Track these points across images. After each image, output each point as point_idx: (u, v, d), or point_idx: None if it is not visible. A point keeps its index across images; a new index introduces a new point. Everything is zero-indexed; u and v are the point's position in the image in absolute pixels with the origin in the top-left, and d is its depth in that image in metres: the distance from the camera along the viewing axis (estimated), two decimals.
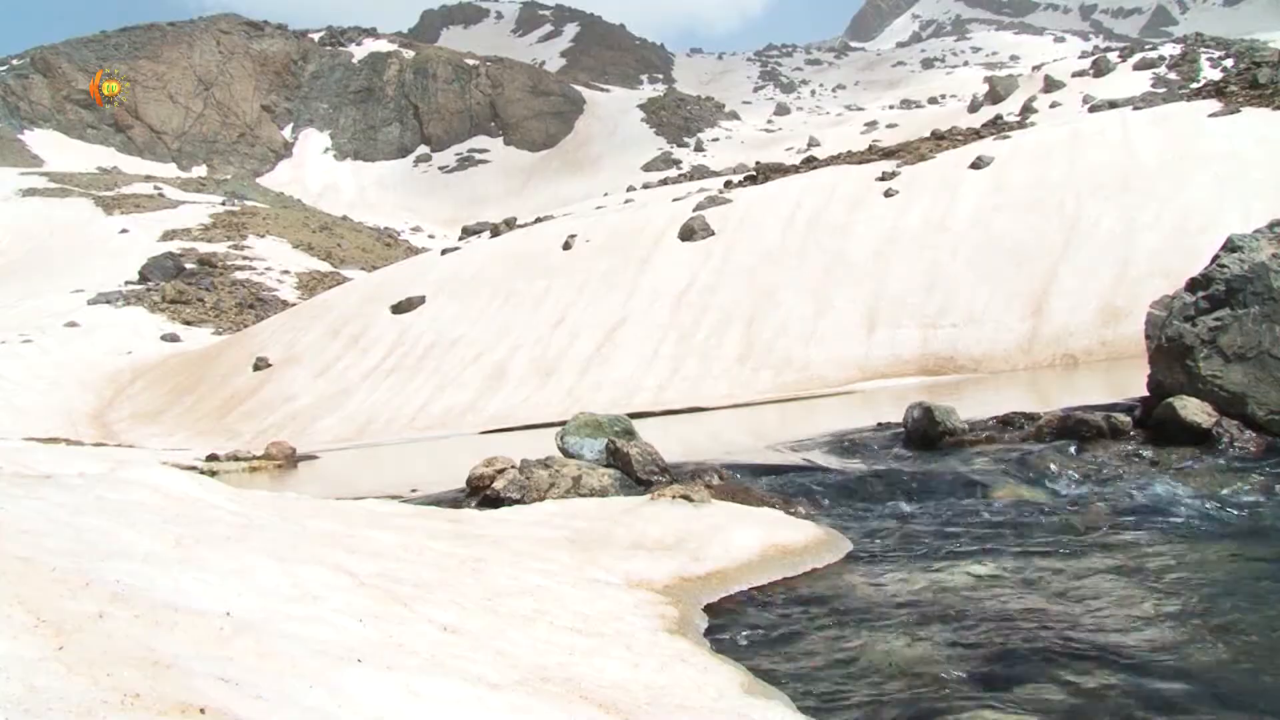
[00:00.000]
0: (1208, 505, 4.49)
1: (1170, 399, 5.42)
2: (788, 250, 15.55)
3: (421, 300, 18.99)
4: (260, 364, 19.62)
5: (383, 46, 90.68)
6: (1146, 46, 62.60)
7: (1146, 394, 5.95)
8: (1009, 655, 2.83)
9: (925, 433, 6.18)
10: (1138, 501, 4.60)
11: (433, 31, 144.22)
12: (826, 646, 3.05)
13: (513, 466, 5.81)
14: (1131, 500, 4.63)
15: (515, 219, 25.89)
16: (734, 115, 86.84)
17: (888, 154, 19.43)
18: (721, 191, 19.83)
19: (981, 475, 5.22)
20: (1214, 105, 15.77)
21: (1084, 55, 63.88)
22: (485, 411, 14.49)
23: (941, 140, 19.85)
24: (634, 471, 5.71)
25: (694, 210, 18.00)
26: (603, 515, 4.61)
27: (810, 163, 22.64)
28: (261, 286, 34.80)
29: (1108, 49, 72.08)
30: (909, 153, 18.61)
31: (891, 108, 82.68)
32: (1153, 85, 47.08)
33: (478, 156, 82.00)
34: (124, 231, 43.48)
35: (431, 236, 60.54)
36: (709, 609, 3.52)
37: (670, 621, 3.19)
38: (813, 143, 65.08)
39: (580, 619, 3.05)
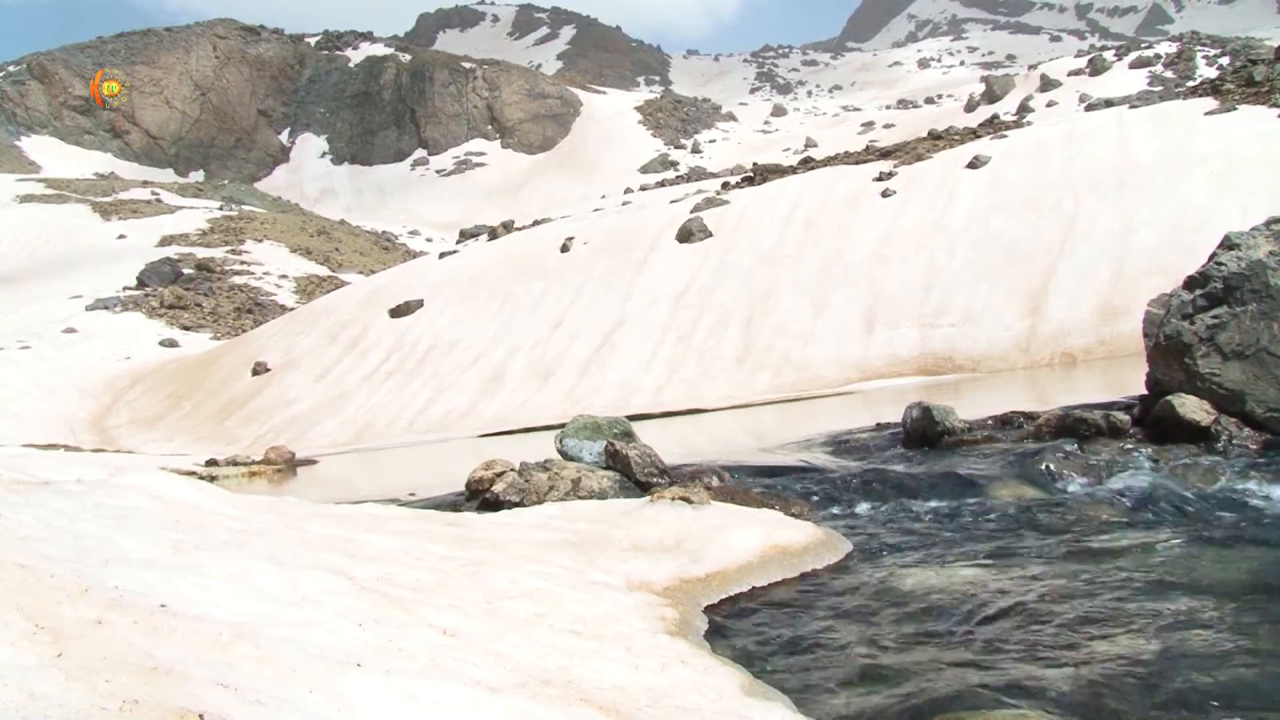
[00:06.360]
0: (1207, 502, 4.50)
1: (1169, 397, 5.42)
2: (785, 251, 15.55)
3: (420, 304, 18.98)
4: (259, 369, 19.60)
5: (379, 50, 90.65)
6: (1142, 45, 62.71)
7: (1145, 392, 5.95)
8: (1009, 654, 2.82)
9: (924, 432, 6.19)
10: (1137, 499, 4.60)
11: (429, 35, 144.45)
12: (827, 647, 3.05)
13: (512, 469, 5.80)
14: (1131, 498, 4.63)
15: (513, 222, 25.89)
16: (731, 117, 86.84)
17: (885, 154, 19.44)
18: (719, 193, 19.82)
19: (981, 474, 5.22)
20: (1210, 103, 15.77)
21: (1080, 54, 64.05)
22: (484, 414, 14.49)
23: (938, 140, 19.85)
24: (633, 474, 5.71)
25: (691, 212, 18.00)
26: (602, 518, 4.61)
27: (807, 163, 22.67)
28: (259, 291, 34.76)
29: (1103, 48, 72.19)
30: (906, 153, 18.62)
31: (888, 108, 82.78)
32: (1149, 84, 47.19)
33: (475, 160, 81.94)
34: (121, 237, 43.46)
35: (429, 240, 60.47)
36: (709, 610, 3.52)
37: (670, 623, 3.19)
38: (810, 143, 65.16)
39: (580, 621, 3.05)
